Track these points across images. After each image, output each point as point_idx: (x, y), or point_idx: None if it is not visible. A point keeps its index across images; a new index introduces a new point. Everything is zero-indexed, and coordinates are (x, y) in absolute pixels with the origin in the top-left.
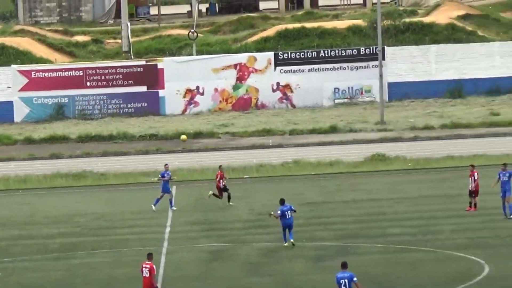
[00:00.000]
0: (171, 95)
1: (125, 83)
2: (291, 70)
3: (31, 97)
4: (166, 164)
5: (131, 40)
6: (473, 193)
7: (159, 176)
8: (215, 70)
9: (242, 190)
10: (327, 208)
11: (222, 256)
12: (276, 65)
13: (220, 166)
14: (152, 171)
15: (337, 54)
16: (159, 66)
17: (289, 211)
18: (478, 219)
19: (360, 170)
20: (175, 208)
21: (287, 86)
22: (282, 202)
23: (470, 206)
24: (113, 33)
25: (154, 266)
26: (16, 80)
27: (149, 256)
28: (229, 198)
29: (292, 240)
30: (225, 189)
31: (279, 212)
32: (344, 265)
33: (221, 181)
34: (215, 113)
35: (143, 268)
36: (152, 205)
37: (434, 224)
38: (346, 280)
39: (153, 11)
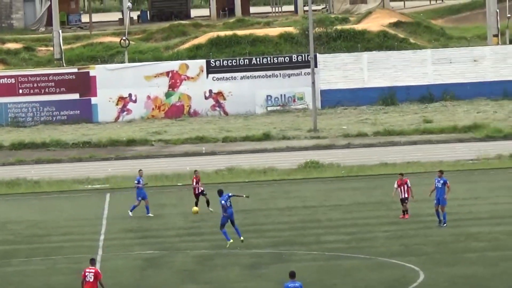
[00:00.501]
0: (104, 102)
1: (57, 91)
2: (223, 77)
3: None
4: (140, 170)
5: (63, 47)
6: (405, 200)
7: (135, 182)
8: (147, 77)
9: (176, 197)
10: (261, 215)
11: (156, 264)
12: (208, 72)
13: (195, 171)
14: (85, 178)
15: (269, 62)
16: (91, 73)
17: (228, 201)
18: (413, 226)
19: (294, 178)
20: (151, 215)
21: (220, 93)
22: (220, 193)
23: (404, 214)
24: (45, 41)
25: (99, 271)
26: None
27: (92, 261)
28: (207, 203)
29: (242, 238)
30: (202, 193)
31: (223, 202)
32: (292, 275)
33: (198, 185)
34: (148, 121)
35: (87, 273)
36: (129, 211)
37: (368, 231)
38: None
39: (85, 18)
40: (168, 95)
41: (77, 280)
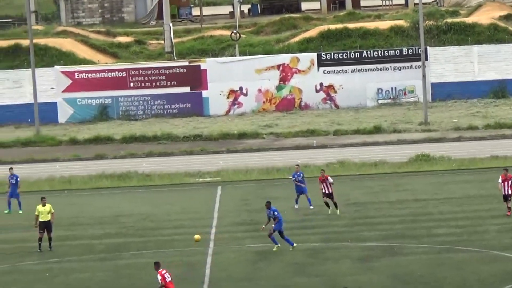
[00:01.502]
0: (215, 96)
1: (168, 84)
2: (334, 70)
3: (75, 98)
4: (297, 165)
5: (173, 41)
6: (509, 197)
7: (292, 178)
8: (258, 70)
9: (287, 191)
10: (372, 209)
11: (267, 257)
12: (319, 65)
13: (322, 170)
14: (197, 172)
15: (380, 55)
16: (202, 67)
17: (274, 213)
18: None
19: (405, 171)
20: (312, 208)
21: (331, 86)
22: (268, 205)
23: (509, 210)
24: (156, 34)
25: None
26: (59, 81)
27: (159, 264)
28: (335, 206)
29: (294, 246)
30: (328, 195)
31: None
32: None
33: (323, 185)
34: (259, 114)
35: (165, 274)
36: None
37: (479, 224)
38: None
39: (195, 12)
40: (279, 88)
41: (189, 272)
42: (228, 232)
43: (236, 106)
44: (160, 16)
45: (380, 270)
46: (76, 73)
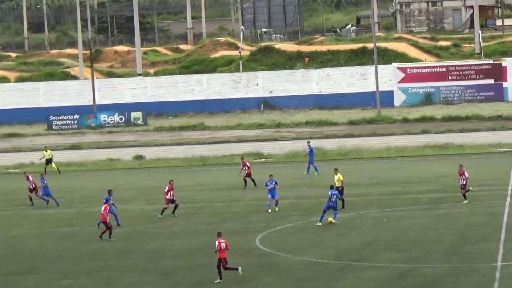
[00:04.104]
0: None
1: (477, 77)
2: None
3: (407, 88)
4: None
5: (481, 44)
6: None
7: None
8: None
9: None
10: None
11: None
12: None
13: (460, 165)
14: (498, 143)
15: None
16: (503, 64)
17: (335, 196)
18: None
19: None
20: None
21: None
22: (331, 187)
23: None
24: (468, 39)
25: (227, 243)
26: (395, 74)
27: (220, 234)
28: (464, 196)
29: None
30: (462, 186)
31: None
32: None
33: (461, 178)
34: None
35: (221, 243)
36: None
37: None
38: None
39: (498, 22)
40: None
41: (491, 219)
42: None
43: None
44: (471, 25)
45: None
46: (408, 69)
